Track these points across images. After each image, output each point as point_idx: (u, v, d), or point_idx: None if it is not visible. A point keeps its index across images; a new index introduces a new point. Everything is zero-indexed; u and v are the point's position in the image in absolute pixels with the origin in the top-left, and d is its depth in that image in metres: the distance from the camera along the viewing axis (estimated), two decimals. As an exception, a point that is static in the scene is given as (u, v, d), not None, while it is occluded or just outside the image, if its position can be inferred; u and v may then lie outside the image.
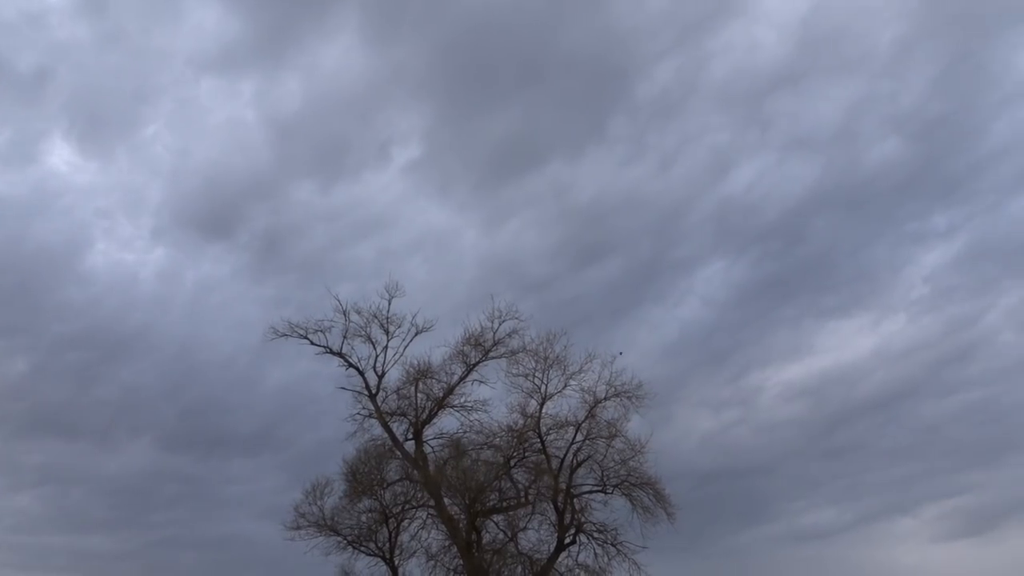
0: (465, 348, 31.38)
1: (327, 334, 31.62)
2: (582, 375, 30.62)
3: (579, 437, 30.46)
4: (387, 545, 31.34)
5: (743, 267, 71.36)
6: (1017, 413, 62.36)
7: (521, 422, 30.91)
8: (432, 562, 30.59)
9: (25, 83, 69.42)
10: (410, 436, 31.35)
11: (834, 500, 61.51)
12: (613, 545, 29.38)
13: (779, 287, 70.57)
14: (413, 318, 31.40)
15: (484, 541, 30.57)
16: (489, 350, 31.20)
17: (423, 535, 31.30)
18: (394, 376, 31.71)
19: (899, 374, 65.27)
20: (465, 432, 31.41)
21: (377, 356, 31.65)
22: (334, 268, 64.61)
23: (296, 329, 31.51)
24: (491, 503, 30.60)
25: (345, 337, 31.62)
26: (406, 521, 31.68)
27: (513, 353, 31.08)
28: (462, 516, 30.15)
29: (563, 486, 30.06)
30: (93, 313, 67.54)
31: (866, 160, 69.08)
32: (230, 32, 71.29)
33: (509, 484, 30.83)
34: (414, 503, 31.56)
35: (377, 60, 73.73)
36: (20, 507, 61.43)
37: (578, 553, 29.81)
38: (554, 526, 30.00)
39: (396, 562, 31.16)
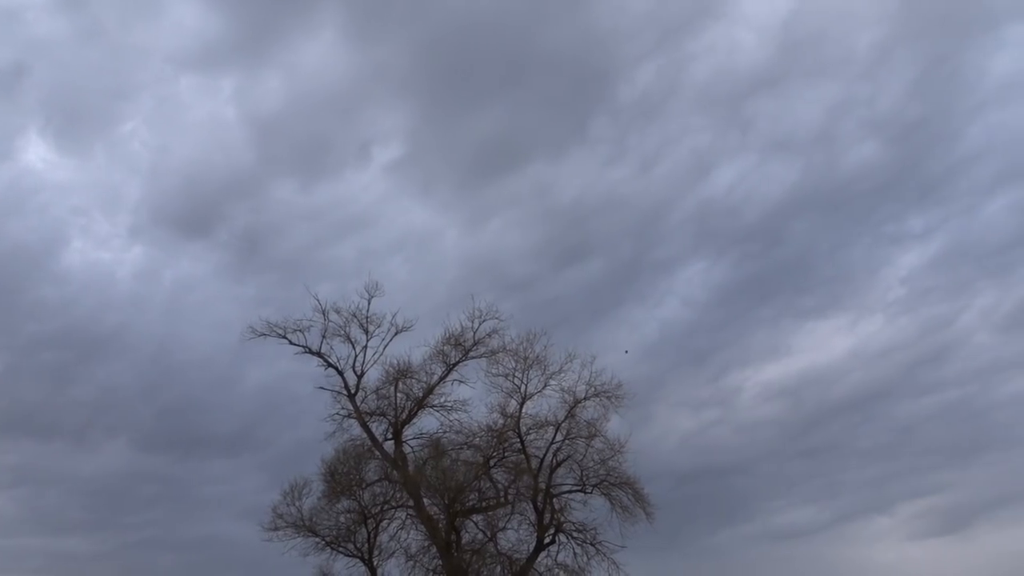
0: (445, 348, 31.35)
1: (306, 334, 31.49)
2: (562, 375, 30.69)
3: (559, 437, 30.54)
4: (366, 546, 31.20)
5: (723, 268, 71.99)
6: (991, 413, 63.47)
7: (501, 422, 30.92)
8: (411, 562, 30.55)
9: (1, 78, 68.50)
10: (390, 436, 31.26)
11: (811, 499, 62.15)
12: (592, 545, 29.45)
13: (758, 288, 71.30)
14: (393, 318, 31.35)
15: (463, 541, 30.54)
16: (469, 350, 31.18)
17: (402, 535, 31.28)
18: (374, 376, 31.65)
19: (876, 374, 66.17)
20: (445, 432, 31.44)
21: (356, 356, 31.56)
22: (315, 267, 64.34)
23: (275, 329, 31.34)
24: (471, 503, 30.59)
25: (324, 337, 31.51)
26: (385, 521, 31.58)
27: (493, 353, 31.09)
28: (441, 516, 30.10)
29: (543, 486, 30.11)
30: (69, 312, 66.80)
31: (844, 163, 69.98)
32: (211, 29, 70.82)
33: (489, 484, 30.84)
34: (393, 503, 31.47)
35: (359, 59, 73.57)
36: (-6, 508, 60.51)
37: (557, 553, 29.92)
38: (533, 526, 30.06)
39: (375, 563, 31.04)
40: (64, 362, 65.96)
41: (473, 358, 31.24)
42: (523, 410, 30.83)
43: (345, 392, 31.34)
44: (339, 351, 31.61)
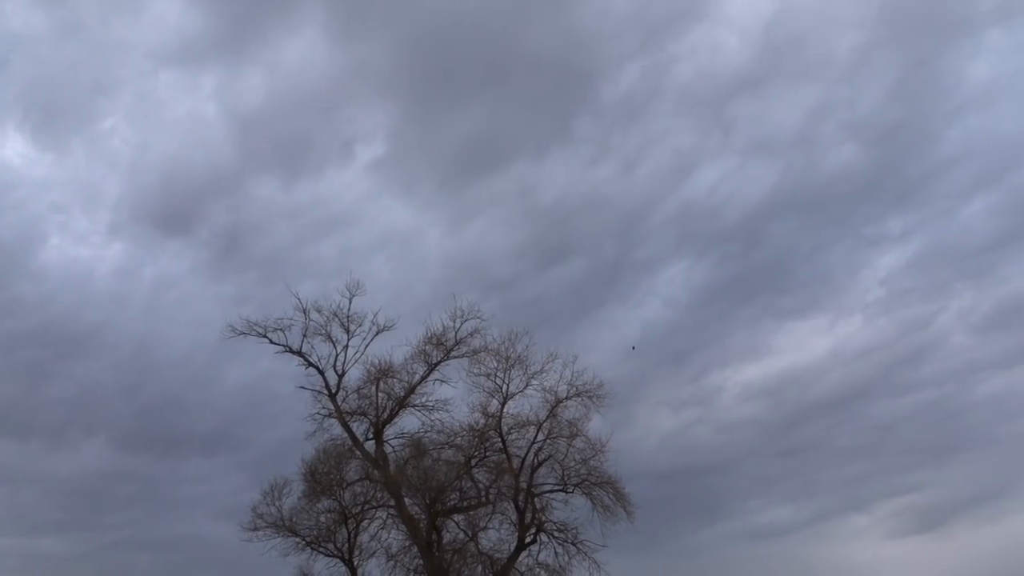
0: (427, 347, 31.29)
1: (287, 333, 31.38)
2: (544, 375, 30.77)
3: (540, 436, 30.61)
4: (346, 545, 31.10)
5: (704, 269, 72.28)
6: (967, 413, 64.22)
7: (482, 421, 30.92)
8: (392, 562, 30.48)
9: (-23, 73, 67.57)
10: (370, 436, 31.16)
11: (790, 498, 62.57)
12: (573, 544, 29.53)
13: (739, 288, 71.66)
14: (374, 317, 31.27)
15: (444, 541, 30.51)
16: (451, 349, 31.14)
17: (383, 535, 31.24)
18: (355, 375, 31.56)
19: (854, 374, 66.67)
20: (426, 432, 31.39)
21: (337, 355, 31.46)
22: (296, 266, 63.94)
23: (255, 327, 31.17)
24: (452, 503, 30.55)
25: (305, 336, 31.39)
26: (366, 521, 31.49)
27: (475, 352, 31.08)
28: (422, 516, 30.05)
29: (524, 485, 30.13)
30: (47, 310, 65.95)
31: (824, 165, 70.41)
32: (192, 25, 70.13)
33: (470, 483, 30.82)
34: (374, 503, 31.40)
35: (342, 56, 73.15)
36: (-31, 509, 59.56)
37: (538, 552, 29.97)
38: (515, 525, 30.05)
39: (355, 563, 30.94)
40: (41, 360, 65.20)
41: (455, 358, 31.25)
42: (505, 410, 30.90)
43: (326, 391, 31.21)
44: (320, 350, 31.58)
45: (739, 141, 72.95)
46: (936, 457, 63.89)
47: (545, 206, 72.00)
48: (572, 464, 30.36)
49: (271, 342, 31.35)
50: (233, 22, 71.46)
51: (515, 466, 30.35)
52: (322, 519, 31.14)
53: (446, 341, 31.10)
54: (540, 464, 30.58)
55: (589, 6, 70.98)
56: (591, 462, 30.11)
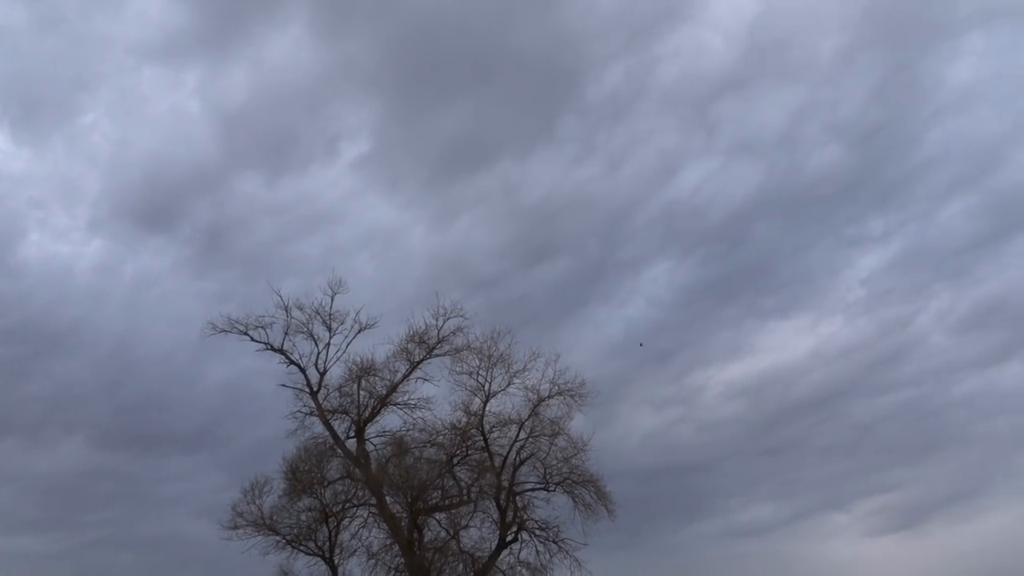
0: (409, 345, 31.26)
1: (268, 330, 31.21)
2: (526, 373, 30.79)
3: (522, 435, 30.66)
4: (327, 544, 30.99)
5: (687, 268, 72.53)
6: (945, 412, 64.95)
7: (464, 420, 30.93)
8: (373, 561, 30.42)
9: (-45, 66, 66.73)
10: (352, 434, 31.08)
11: (771, 497, 62.99)
12: (554, 542, 29.56)
13: (722, 288, 71.97)
14: (356, 315, 31.20)
15: (426, 539, 30.50)
16: (433, 348, 31.10)
17: (364, 534, 31.14)
18: (337, 373, 31.45)
19: (835, 374, 67.19)
20: (408, 430, 31.34)
21: (319, 353, 31.36)
22: (279, 263, 63.53)
23: (236, 325, 31.01)
24: (433, 501, 30.53)
25: (287, 333, 31.25)
26: (347, 520, 31.41)
27: (457, 351, 31.06)
28: (404, 514, 30.01)
29: (506, 484, 30.15)
30: (26, 306, 65.09)
31: (807, 166, 70.90)
32: (175, 20, 69.52)
33: (452, 482, 30.84)
34: (355, 501, 31.29)
35: (327, 53, 72.78)
36: (-55, 507, 58.82)
37: (520, 550, 30.01)
38: (496, 524, 30.09)
39: (336, 561, 30.85)
40: (19, 357, 64.29)
41: (437, 356, 31.22)
42: (487, 408, 30.93)
43: (307, 389, 31.09)
44: (302, 348, 31.46)
45: (723, 141, 73.34)
46: (914, 456, 64.66)
47: (529, 205, 72.10)
48: (554, 463, 30.44)
49: (252, 339, 31.23)
50: (217, 17, 70.95)
51: (497, 464, 30.36)
52: (303, 517, 31.02)
53: (429, 339, 31.09)
54: (522, 463, 30.61)
55: (574, 6, 71.16)
56: (573, 461, 30.21)
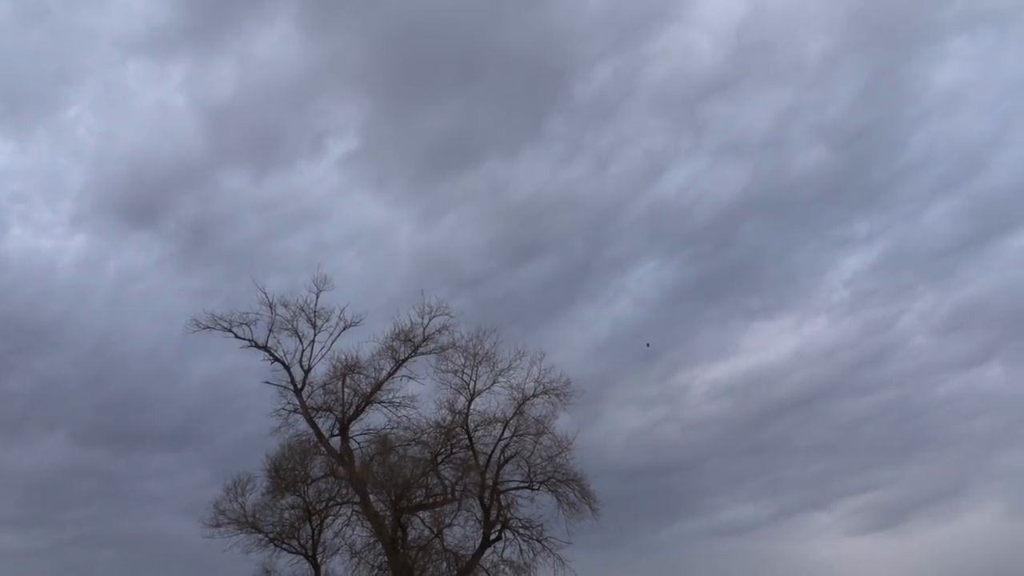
0: (394, 343, 31.20)
1: (253, 327, 31.05)
2: (511, 372, 30.75)
3: (507, 434, 30.64)
4: (310, 542, 30.90)
5: (674, 268, 72.82)
6: (927, 413, 65.67)
7: (449, 418, 30.87)
8: (356, 559, 30.34)
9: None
10: (336, 432, 30.99)
11: (754, 496, 63.49)
12: (538, 541, 29.58)
13: (707, 288, 72.34)
14: (341, 312, 31.10)
15: (409, 537, 30.45)
16: (418, 346, 31.05)
17: (347, 532, 31.06)
18: (321, 371, 31.34)
19: (819, 374, 67.72)
20: (392, 428, 31.28)
21: (304, 350, 31.23)
22: (265, 260, 63.09)
23: (220, 322, 30.85)
24: (417, 499, 30.49)
25: (271, 330, 31.13)
26: (330, 518, 31.31)
27: (443, 349, 31.00)
28: (387, 512, 29.94)
29: (490, 482, 30.14)
30: (7, 301, 64.28)
31: (793, 167, 71.32)
32: (161, 13, 69.05)
33: (436, 480, 30.80)
34: (339, 499, 31.22)
35: (315, 49, 72.49)
36: (-77, 504, 58.17)
37: (503, 549, 30.01)
38: (480, 522, 30.09)
39: (319, 559, 30.76)
40: (0, 352, 63.75)
41: (422, 354, 31.16)
42: (471, 407, 30.86)
43: (291, 387, 30.96)
44: (286, 345, 31.34)
45: (710, 142, 73.65)
46: (896, 456, 65.21)
47: (517, 204, 72.06)
48: (538, 461, 30.42)
49: (236, 336, 31.10)
50: (204, 11, 70.44)
51: (481, 463, 30.33)
52: (286, 515, 30.93)
53: (414, 337, 31.02)
54: (506, 461, 30.61)
55: (563, 5, 71.25)
56: (557, 459, 30.19)
